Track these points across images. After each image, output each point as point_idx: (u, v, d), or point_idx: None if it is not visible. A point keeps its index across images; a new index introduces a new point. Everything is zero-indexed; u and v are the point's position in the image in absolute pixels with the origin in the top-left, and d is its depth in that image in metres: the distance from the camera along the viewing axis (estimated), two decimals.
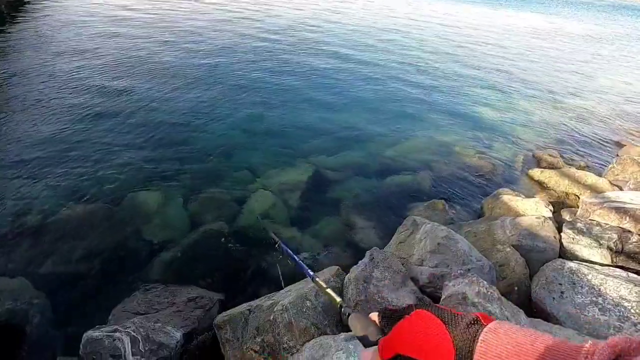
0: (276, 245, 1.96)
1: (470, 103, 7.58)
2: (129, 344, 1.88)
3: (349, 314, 0.70)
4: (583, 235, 2.95)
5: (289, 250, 1.32)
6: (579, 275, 2.45)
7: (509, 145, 5.94)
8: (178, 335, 2.09)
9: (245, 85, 6.88)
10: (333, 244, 3.48)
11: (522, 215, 3.40)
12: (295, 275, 2.56)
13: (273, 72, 7.79)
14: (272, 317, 2.07)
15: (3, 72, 6.24)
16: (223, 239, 3.36)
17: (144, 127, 5.02)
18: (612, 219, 3.15)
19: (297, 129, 5.53)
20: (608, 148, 6.40)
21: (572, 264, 2.57)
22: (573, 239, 2.97)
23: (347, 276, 2.37)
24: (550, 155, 5.51)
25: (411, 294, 2.23)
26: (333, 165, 4.70)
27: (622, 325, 2.12)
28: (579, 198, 4.16)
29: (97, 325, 2.14)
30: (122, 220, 3.47)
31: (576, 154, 5.97)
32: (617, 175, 4.98)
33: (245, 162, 4.54)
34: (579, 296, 2.34)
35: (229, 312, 2.29)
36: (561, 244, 3.00)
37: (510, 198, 3.86)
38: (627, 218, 3.08)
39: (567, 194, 4.47)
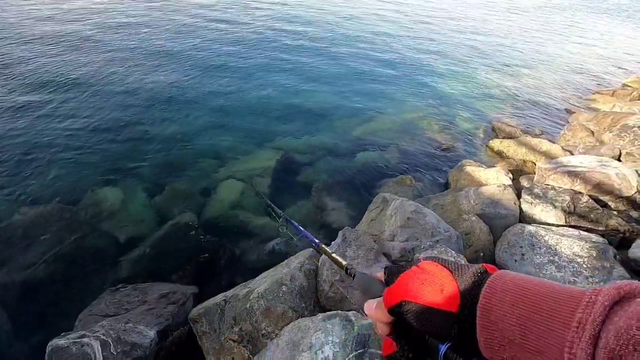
0: (279, 220, 1.97)
1: (431, 79, 7.71)
2: (99, 348, 1.80)
3: (354, 275, 0.70)
4: (540, 200, 3.14)
5: (294, 223, 1.31)
6: (537, 237, 2.61)
7: (470, 117, 6.15)
8: (152, 333, 2.03)
9: (204, 68, 6.57)
10: (306, 227, 3.47)
11: (485, 185, 3.56)
12: (273, 261, 2.56)
13: (233, 54, 7.48)
14: (248, 305, 2.05)
15: None
16: (193, 232, 3.27)
17: (94, 117, 4.68)
18: (565, 182, 3.37)
19: (262, 113, 5.39)
20: (559, 115, 6.79)
21: (531, 227, 2.73)
22: (531, 203, 3.16)
23: (320, 258, 2.38)
24: (508, 125, 5.76)
25: None
26: (301, 148, 4.65)
27: (576, 279, 2.30)
28: (535, 165, 4.41)
29: (62, 332, 2.02)
30: (81, 220, 3.27)
31: (531, 123, 6.28)
32: (568, 140, 5.32)
33: (209, 149, 4.39)
34: (537, 256, 2.50)
35: (204, 304, 2.25)
36: (521, 209, 3.18)
37: (473, 169, 4.02)
38: (578, 180, 3.31)
39: (524, 161, 4.72)
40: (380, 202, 2.96)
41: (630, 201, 3.17)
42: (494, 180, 3.75)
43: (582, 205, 3.03)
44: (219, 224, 3.40)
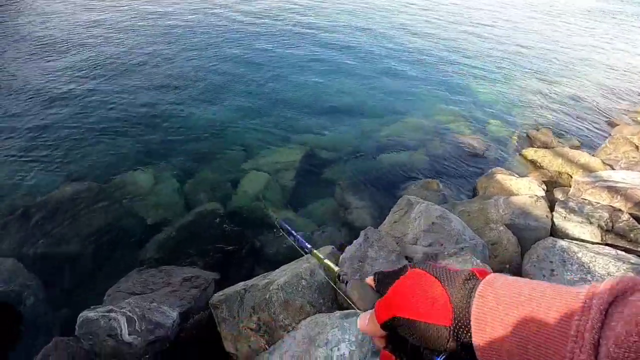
0: (275, 223, 1.97)
1: (466, 81, 7.49)
2: (125, 323, 1.88)
3: (347, 282, 0.68)
4: (575, 214, 2.99)
5: (287, 227, 1.32)
6: (570, 253, 2.49)
7: (503, 124, 5.92)
8: (174, 314, 2.10)
9: (237, 63, 6.68)
10: (327, 224, 3.48)
11: (516, 195, 3.43)
12: (293, 255, 2.56)
13: (266, 50, 7.56)
14: (267, 296, 2.08)
15: None
16: (217, 219, 3.35)
17: (131, 107, 4.88)
18: (604, 198, 3.19)
19: (291, 108, 5.42)
20: (601, 127, 6.42)
21: (563, 242, 2.61)
22: (565, 217, 3.01)
23: (342, 256, 2.38)
24: (544, 134, 5.51)
25: None
26: (327, 145, 4.65)
27: None
28: (571, 177, 4.20)
29: (92, 306, 2.13)
30: (114, 200, 3.42)
31: (569, 133, 5.98)
32: (610, 154, 5.02)
33: (238, 141, 4.47)
34: (568, 273, 2.39)
35: (224, 291, 2.30)
36: (553, 222, 3.04)
37: (504, 177, 3.88)
38: (618, 197, 3.13)
39: (560, 173, 4.51)
40: (404, 205, 2.92)
41: None
42: (525, 190, 3.61)
43: (621, 223, 2.86)
44: (242, 214, 3.47)
